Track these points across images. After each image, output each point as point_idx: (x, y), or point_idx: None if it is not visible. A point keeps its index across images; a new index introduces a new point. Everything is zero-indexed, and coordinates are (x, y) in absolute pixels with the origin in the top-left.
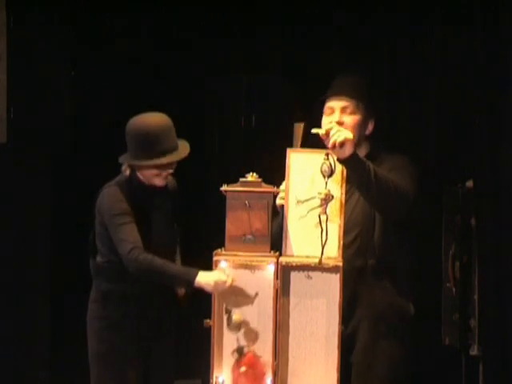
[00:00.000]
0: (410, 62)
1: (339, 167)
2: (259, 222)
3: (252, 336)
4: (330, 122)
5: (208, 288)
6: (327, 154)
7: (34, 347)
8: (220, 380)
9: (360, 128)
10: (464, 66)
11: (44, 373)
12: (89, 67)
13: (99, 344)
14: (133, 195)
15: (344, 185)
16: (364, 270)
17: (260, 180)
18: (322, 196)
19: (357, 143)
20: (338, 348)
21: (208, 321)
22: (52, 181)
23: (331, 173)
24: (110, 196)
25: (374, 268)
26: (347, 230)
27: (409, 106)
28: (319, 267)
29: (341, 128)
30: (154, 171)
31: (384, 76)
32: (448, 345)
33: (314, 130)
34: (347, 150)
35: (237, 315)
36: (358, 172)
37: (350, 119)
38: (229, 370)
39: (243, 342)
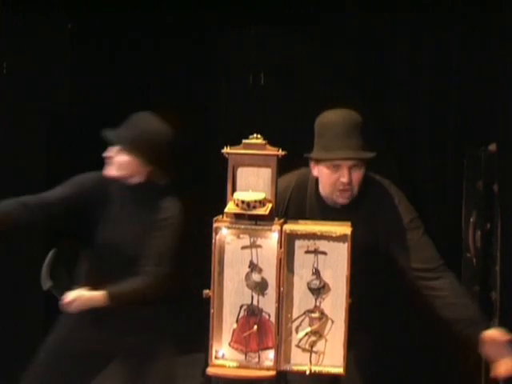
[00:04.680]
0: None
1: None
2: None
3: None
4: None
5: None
6: None
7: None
8: (220, 354)
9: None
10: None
11: None
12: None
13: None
14: (109, 188)
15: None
16: None
17: (264, 142)
18: None
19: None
20: (345, 322)
21: (207, 291)
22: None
23: None
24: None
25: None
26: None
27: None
28: (326, 236)
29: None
30: None
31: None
32: None
33: None
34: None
35: None
36: None
37: (358, 174)
38: (228, 343)
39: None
